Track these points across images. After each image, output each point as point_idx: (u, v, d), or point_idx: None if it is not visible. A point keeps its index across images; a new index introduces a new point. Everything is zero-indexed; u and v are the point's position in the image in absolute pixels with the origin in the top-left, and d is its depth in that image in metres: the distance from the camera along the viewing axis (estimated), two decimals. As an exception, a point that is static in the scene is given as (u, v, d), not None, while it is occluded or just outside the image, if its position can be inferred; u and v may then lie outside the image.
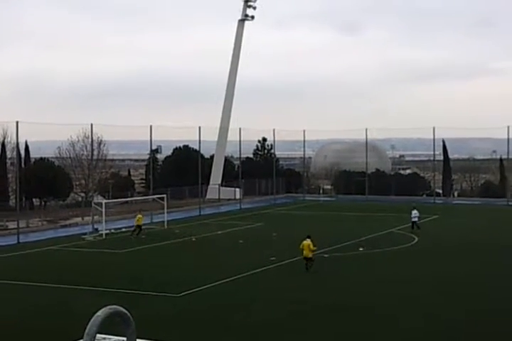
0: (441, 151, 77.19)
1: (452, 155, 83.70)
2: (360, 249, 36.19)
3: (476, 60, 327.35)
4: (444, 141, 76.67)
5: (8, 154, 62.97)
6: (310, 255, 29.95)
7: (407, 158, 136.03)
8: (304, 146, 75.12)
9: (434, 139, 67.18)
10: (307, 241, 30.16)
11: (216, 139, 71.18)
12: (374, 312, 22.82)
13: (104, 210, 43.00)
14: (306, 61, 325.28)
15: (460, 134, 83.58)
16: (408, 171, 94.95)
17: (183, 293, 25.71)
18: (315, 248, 30.33)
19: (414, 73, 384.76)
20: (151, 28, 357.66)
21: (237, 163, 75.85)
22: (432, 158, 72.67)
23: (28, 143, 67.64)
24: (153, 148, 67.60)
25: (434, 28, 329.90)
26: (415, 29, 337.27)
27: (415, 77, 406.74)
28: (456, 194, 78.18)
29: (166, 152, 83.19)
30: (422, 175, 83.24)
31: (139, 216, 43.31)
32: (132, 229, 43.60)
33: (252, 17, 71.40)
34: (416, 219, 43.51)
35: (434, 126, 65.76)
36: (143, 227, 43.97)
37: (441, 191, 75.16)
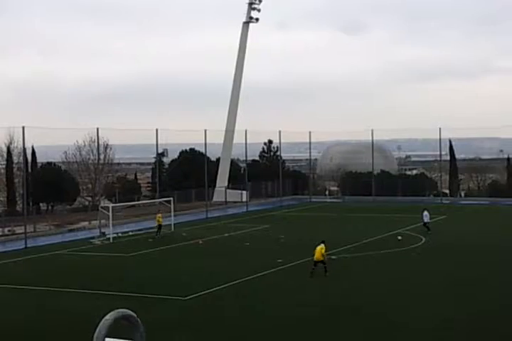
0: (447, 151, 77.03)
1: (459, 155, 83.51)
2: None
3: (481, 59, 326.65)
4: (450, 141, 76.54)
5: (15, 159, 63.20)
6: (321, 258, 29.96)
7: (413, 159, 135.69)
8: (310, 148, 75.09)
9: (440, 139, 67.08)
10: (320, 246, 30.23)
11: (222, 142, 71.23)
12: (384, 313, 22.79)
13: (111, 214, 43.05)
14: (310, 62, 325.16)
15: (466, 134, 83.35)
16: (415, 172, 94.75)
17: (190, 296, 25.70)
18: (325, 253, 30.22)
19: (419, 73, 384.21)
20: (156, 32, 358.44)
21: (243, 165, 75.85)
22: (438, 159, 72.52)
23: (35, 148, 67.84)
24: (160, 151, 67.64)
25: (438, 27, 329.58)
26: (418, 28, 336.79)
27: (420, 76, 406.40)
28: (463, 194, 77.98)
29: (172, 155, 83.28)
30: (428, 175, 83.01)
31: (159, 215, 44.76)
32: (155, 229, 44.83)
33: (257, 19, 71.55)
34: (427, 220, 43.48)
35: (439, 127, 65.78)
36: (152, 230, 44.58)
37: (448, 191, 75.01)
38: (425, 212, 43.66)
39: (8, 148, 63.19)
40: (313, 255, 30.26)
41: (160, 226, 44.51)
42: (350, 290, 26.79)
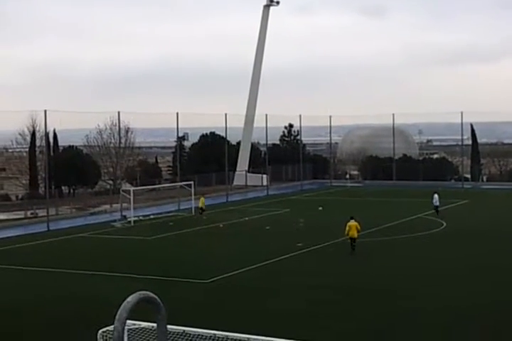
0: (469, 136, 76.39)
1: (480, 139, 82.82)
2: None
3: (505, 43, 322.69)
4: (472, 125, 75.81)
5: (37, 142, 63.57)
6: (356, 235, 31.01)
7: (434, 143, 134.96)
8: (330, 132, 74.79)
9: (462, 123, 66.51)
10: (354, 223, 31.31)
11: (243, 126, 71.17)
12: (399, 294, 22.83)
13: (132, 197, 43.31)
14: (331, 46, 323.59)
15: (488, 118, 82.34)
16: (436, 156, 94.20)
17: (211, 279, 25.88)
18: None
19: (441, 56, 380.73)
20: (176, 16, 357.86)
21: (263, 149, 75.79)
22: (460, 143, 71.95)
23: (57, 132, 68.15)
24: (180, 135, 67.78)
25: (458, 11, 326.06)
26: (439, 12, 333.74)
27: (441, 60, 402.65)
28: (484, 179, 77.39)
29: (193, 139, 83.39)
30: (450, 159, 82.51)
31: (202, 199, 46.59)
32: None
33: (278, 2, 71.08)
34: (438, 204, 43.19)
35: (462, 111, 65.19)
36: (171, 214, 45.07)
37: (469, 176, 74.51)
38: (435, 195, 43.37)
39: (32, 132, 63.55)
40: (348, 232, 31.13)
41: (202, 209, 46.12)
42: (367, 273, 26.79)
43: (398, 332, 19.01)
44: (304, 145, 79.49)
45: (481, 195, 59.38)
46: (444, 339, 18.44)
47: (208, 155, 71.42)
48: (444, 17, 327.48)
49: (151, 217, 46.36)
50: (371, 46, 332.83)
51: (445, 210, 44.83)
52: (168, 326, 9.80)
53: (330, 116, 70.78)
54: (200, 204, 46.31)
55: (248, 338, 12.12)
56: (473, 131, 76.26)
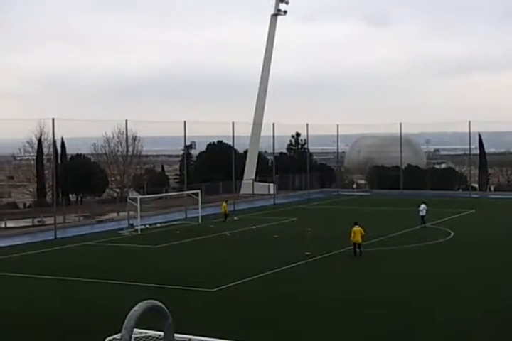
0: (477, 145, 76.22)
1: (488, 149, 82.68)
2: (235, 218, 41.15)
3: (510, 51, 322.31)
4: (479, 135, 75.65)
5: (45, 151, 63.84)
6: (361, 240, 31.89)
7: (442, 153, 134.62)
8: (338, 141, 74.76)
9: (469, 133, 66.45)
10: (358, 228, 32.09)
11: (250, 134, 71.22)
12: (410, 306, 22.72)
13: (139, 206, 43.34)
14: (337, 55, 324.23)
15: (496, 128, 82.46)
16: (443, 165, 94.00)
17: (218, 288, 25.82)
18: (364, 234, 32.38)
19: (448, 65, 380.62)
20: (184, 24, 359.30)
21: (270, 158, 75.81)
22: (467, 152, 71.81)
23: (64, 140, 68.42)
24: (187, 143, 67.88)
25: (465, 21, 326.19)
26: (444, 21, 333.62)
27: (449, 69, 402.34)
28: (492, 188, 77.20)
29: (200, 147, 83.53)
30: (457, 169, 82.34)
31: (224, 204, 48.49)
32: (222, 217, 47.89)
33: (285, 12, 71.21)
34: (424, 213, 42.71)
35: (469, 120, 65.13)
36: (178, 222, 45.44)
37: (477, 185, 74.30)
38: (422, 205, 42.91)
39: (39, 140, 63.81)
40: (352, 237, 31.92)
41: (226, 214, 47.83)
42: (377, 282, 26.69)
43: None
44: (311, 154, 79.50)
45: (488, 204, 59.18)
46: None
47: (215, 164, 71.48)
48: (450, 26, 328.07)
49: (158, 225, 46.37)
50: (378, 55, 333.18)
51: (452, 220, 44.66)
52: (175, 334, 9.76)
53: (337, 125, 70.79)
54: (224, 210, 48.13)
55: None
56: (480, 140, 76.09)
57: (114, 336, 12.66)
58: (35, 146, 64.42)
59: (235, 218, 47.11)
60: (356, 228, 32.20)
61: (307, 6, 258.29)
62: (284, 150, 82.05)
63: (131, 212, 46.04)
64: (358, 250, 32.03)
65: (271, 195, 65.50)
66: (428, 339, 19.16)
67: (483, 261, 31.45)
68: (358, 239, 31.90)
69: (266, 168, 72.46)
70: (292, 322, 21.04)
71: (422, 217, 42.50)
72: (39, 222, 49.20)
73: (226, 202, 49.91)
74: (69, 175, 61.47)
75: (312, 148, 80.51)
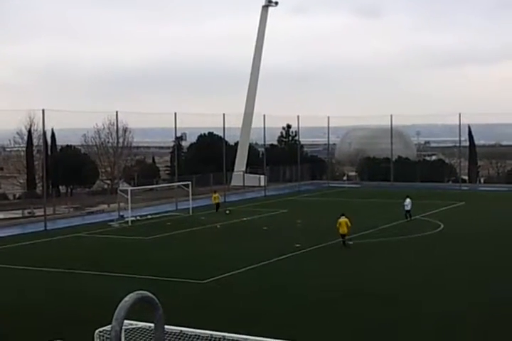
0: (466, 137, 76.42)
1: (478, 141, 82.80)
2: (227, 211, 43.46)
3: (501, 44, 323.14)
4: (469, 127, 75.89)
5: (35, 142, 63.57)
6: (346, 231, 32.17)
7: (432, 145, 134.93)
8: (328, 133, 74.81)
9: (459, 125, 66.59)
10: (345, 219, 32.38)
11: (240, 126, 71.17)
12: (398, 298, 22.85)
13: (129, 197, 43.30)
14: (329, 46, 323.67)
15: (486, 120, 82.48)
16: (433, 157, 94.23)
17: (208, 280, 25.89)
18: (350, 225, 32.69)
19: (439, 58, 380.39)
20: (174, 16, 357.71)
21: (261, 149, 75.75)
22: (457, 144, 71.99)
23: (54, 131, 68.14)
24: (178, 135, 67.73)
25: (456, 12, 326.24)
26: (436, 13, 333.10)
27: (439, 61, 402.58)
28: (482, 180, 77.45)
29: (191, 139, 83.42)
30: (447, 161, 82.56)
31: (215, 195, 49.22)
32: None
33: (276, 3, 71.04)
34: (409, 208, 42.44)
35: (459, 112, 65.27)
36: (169, 214, 45.83)
37: (467, 177, 74.56)
38: (408, 199, 42.57)
39: (29, 131, 63.53)
40: (338, 229, 32.07)
41: (217, 205, 48.42)
42: (364, 275, 26.82)
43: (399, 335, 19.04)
44: (302, 146, 79.49)
45: (478, 196, 59.42)
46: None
47: (205, 156, 71.37)
48: (442, 18, 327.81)
49: (149, 216, 46.34)
50: (369, 47, 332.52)
51: (442, 212, 44.84)
52: (166, 326, 9.80)
53: (328, 117, 70.86)
54: (216, 200, 48.69)
55: (245, 339, 12.13)
56: (470, 132, 76.29)
57: (105, 327, 12.71)
58: (25, 137, 64.12)
59: (227, 212, 47.08)
60: (342, 219, 32.57)
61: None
62: (275, 142, 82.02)
63: (121, 204, 46.00)
64: (344, 241, 32.34)
65: (261, 186, 65.53)
66: (415, 331, 19.28)
67: (472, 252, 31.63)
68: (345, 229, 32.24)
69: (257, 159, 72.46)
70: (282, 314, 21.14)
71: (408, 211, 42.31)
72: (29, 213, 49.10)
73: (215, 192, 50.15)
74: (59, 167, 61.28)
75: (303, 139, 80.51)
